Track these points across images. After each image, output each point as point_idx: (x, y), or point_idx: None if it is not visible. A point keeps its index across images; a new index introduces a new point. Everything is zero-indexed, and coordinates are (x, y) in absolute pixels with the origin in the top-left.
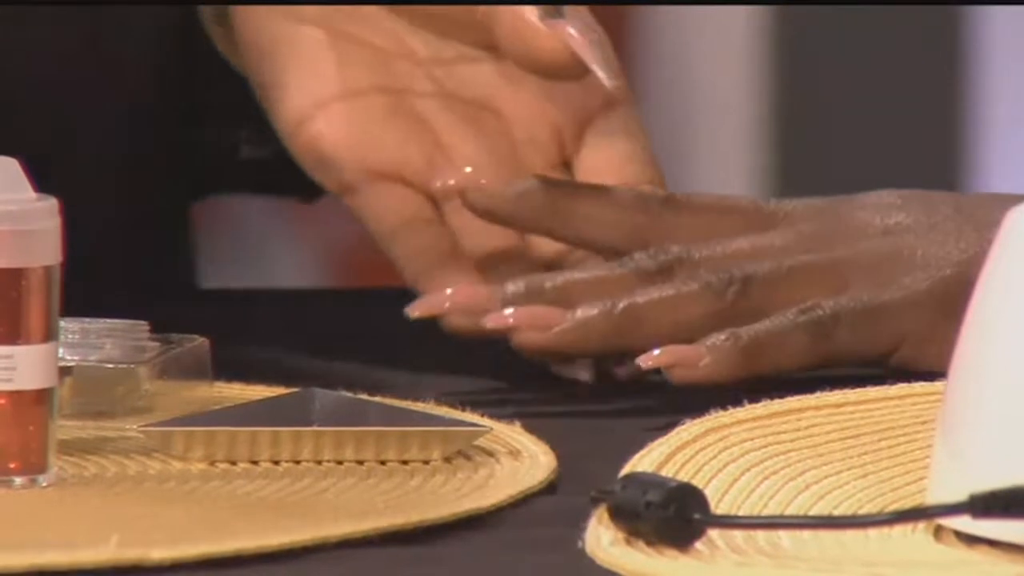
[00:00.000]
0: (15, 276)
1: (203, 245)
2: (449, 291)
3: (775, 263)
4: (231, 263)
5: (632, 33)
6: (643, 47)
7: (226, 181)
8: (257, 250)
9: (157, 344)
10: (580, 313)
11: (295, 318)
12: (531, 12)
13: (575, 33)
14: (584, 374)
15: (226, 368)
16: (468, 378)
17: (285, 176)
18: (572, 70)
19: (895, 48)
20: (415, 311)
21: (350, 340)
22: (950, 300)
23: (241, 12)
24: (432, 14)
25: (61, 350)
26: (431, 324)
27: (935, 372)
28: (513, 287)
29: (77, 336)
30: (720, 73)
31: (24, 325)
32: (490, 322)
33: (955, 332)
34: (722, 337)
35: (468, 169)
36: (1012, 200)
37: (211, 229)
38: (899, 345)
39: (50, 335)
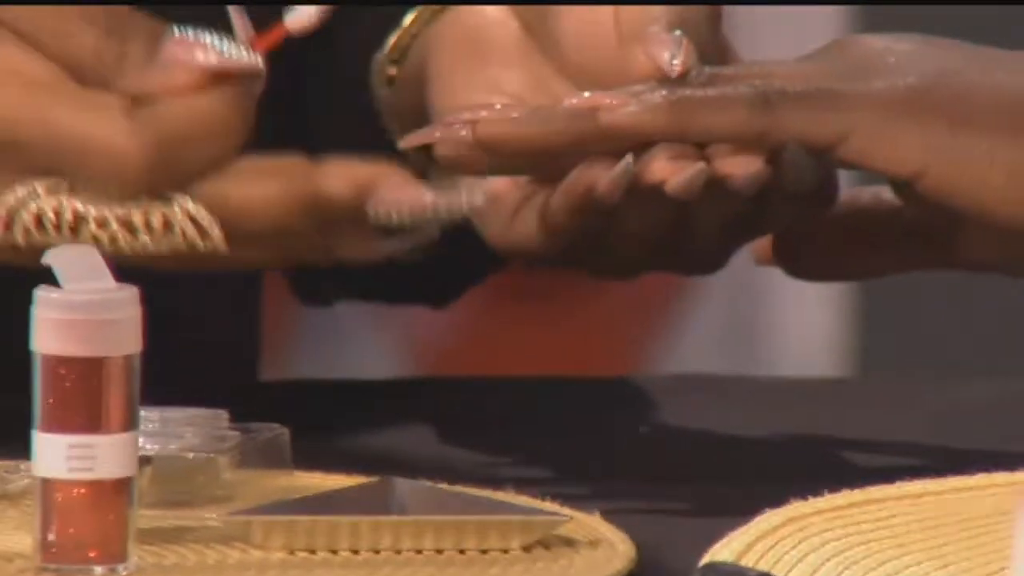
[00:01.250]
0: (95, 365)
1: (282, 334)
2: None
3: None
4: (310, 353)
5: None
6: None
7: (355, 287)
8: (336, 340)
9: (237, 433)
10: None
11: (374, 407)
12: None
13: None
14: None
15: (305, 457)
16: (547, 467)
17: (429, 281)
18: None
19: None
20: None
21: (429, 429)
22: (913, 103)
23: (441, 77)
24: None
25: (141, 439)
26: (508, 413)
27: (883, 171)
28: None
29: (157, 425)
30: None
31: (104, 414)
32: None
33: (914, 136)
34: (659, 92)
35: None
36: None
37: (290, 319)
38: (846, 136)
39: (130, 424)
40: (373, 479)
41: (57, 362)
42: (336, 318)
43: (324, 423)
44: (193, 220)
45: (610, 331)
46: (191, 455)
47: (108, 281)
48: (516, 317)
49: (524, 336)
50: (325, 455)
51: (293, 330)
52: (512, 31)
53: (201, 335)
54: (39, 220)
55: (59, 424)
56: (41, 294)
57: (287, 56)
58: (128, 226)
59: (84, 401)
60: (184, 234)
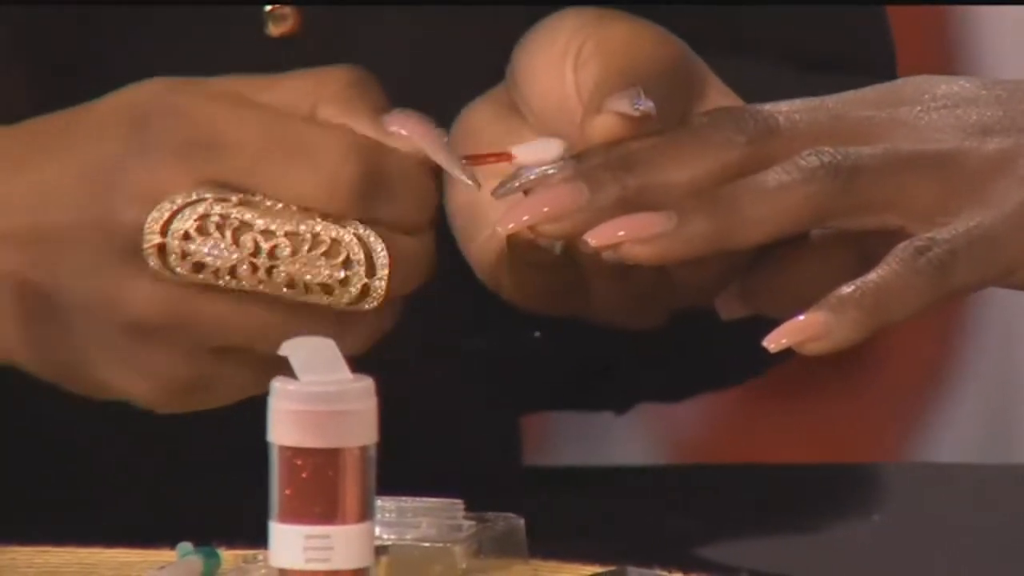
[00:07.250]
0: (332, 456)
1: (537, 421)
2: (538, 196)
3: (882, 154)
4: (554, 439)
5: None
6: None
7: (542, 398)
8: (581, 426)
9: (472, 523)
10: (681, 221)
11: (616, 495)
12: None
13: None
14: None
15: (542, 546)
16: (786, 555)
17: (602, 389)
18: None
19: None
20: (507, 224)
21: (674, 517)
22: None
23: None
24: None
25: (377, 529)
26: (760, 501)
27: None
28: (604, 195)
29: (393, 515)
30: None
31: (341, 505)
32: (595, 239)
33: None
34: (845, 292)
35: None
36: None
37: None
38: (1016, 268)
39: (366, 515)
40: (609, 568)
41: (294, 453)
42: None
43: (561, 511)
44: (367, 252)
45: (865, 420)
46: (427, 545)
47: (344, 372)
48: (771, 406)
49: (778, 424)
50: (562, 543)
51: (548, 416)
52: (503, 125)
53: (457, 420)
54: (202, 223)
55: (296, 515)
56: (278, 385)
57: None
58: (293, 240)
59: (320, 492)
60: (347, 262)
